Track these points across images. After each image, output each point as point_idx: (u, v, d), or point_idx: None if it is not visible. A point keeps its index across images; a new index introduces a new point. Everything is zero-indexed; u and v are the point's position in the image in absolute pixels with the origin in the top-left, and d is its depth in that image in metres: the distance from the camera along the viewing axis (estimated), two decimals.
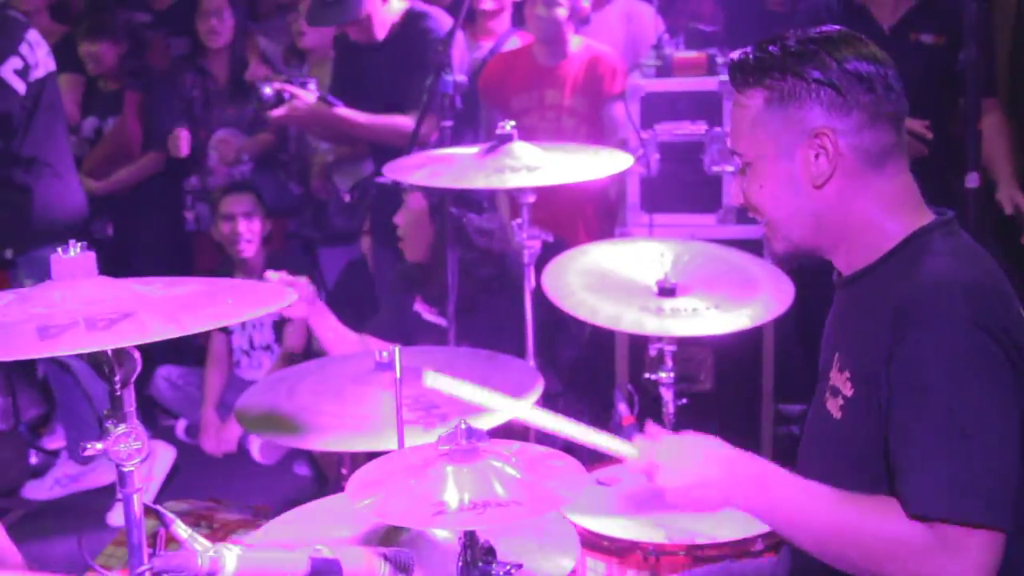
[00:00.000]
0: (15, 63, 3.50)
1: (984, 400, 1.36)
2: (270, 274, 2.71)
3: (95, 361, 1.42)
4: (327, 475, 3.50)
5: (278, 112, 3.40)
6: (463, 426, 1.25)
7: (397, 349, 1.75)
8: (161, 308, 1.36)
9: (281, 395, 2.24)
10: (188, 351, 4.40)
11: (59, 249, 1.43)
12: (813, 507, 1.44)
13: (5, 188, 3.62)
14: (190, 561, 1.13)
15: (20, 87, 3.50)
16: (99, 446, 1.44)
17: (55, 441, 4.16)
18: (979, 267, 1.47)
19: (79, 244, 1.46)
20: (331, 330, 2.87)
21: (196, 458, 4.03)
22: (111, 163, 4.52)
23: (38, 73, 3.56)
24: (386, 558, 1.27)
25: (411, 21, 3.43)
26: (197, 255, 4.62)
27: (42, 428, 4.28)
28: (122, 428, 1.42)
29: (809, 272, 1.68)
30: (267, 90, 3.37)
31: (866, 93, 1.48)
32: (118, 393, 1.43)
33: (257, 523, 2.49)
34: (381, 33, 3.44)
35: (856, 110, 1.48)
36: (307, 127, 3.94)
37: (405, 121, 3.34)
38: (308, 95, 3.37)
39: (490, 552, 1.23)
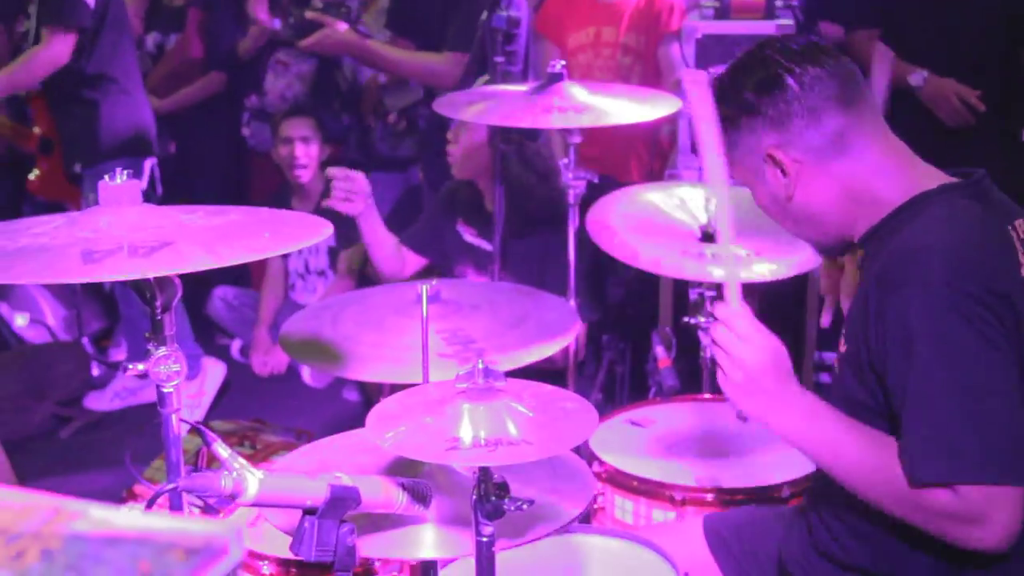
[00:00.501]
0: None
1: (974, 360, 1.37)
2: (331, 170, 2.81)
3: (137, 287, 1.49)
4: (374, 402, 3.59)
5: (308, 41, 3.41)
6: (480, 365, 1.29)
7: (424, 288, 1.79)
8: (200, 238, 1.41)
9: (325, 323, 2.29)
10: (244, 272, 4.50)
11: (106, 176, 1.49)
12: (855, 446, 1.45)
13: (73, 103, 3.72)
14: (213, 482, 1.19)
15: (90, 1, 3.57)
16: (140, 367, 1.52)
17: (119, 354, 4.31)
18: (969, 230, 1.46)
19: (126, 172, 1.52)
20: (376, 231, 2.97)
21: (248, 377, 4.15)
22: (173, 81, 4.58)
23: None
24: (404, 488, 1.33)
25: None
26: (255, 176, 4.70)
27: (105, 341, 4.43)
28: (162, 351, 1.49)
29: None
30: (291, 19, 3.38)
31: (786, 100, 1.51)
32: (159, 317, 1.50)
33: (298, 446, 2.57)
34: None
35: (788, 118, 1.52)
36: (337, 57, 3.94)
37: (438, 61, 3.34)
38: (340, 25, 3.37)
39: (503, 488, 1.28)
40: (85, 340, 4.26)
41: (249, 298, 4.38)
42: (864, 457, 1.45)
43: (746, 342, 1.49)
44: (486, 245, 3.08)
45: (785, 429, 1.50)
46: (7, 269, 1.34)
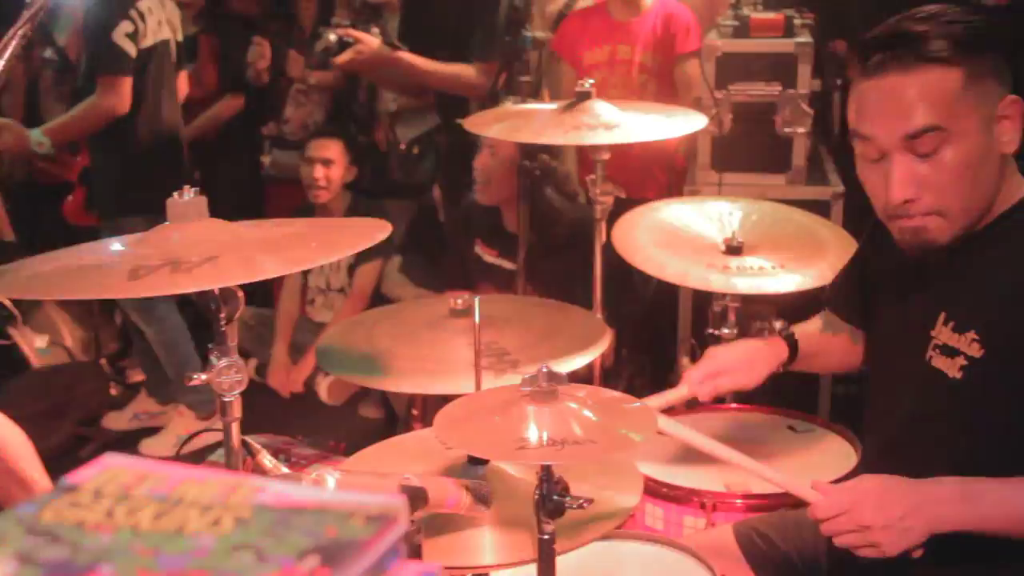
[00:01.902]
0: (126, 27, 3.63)
1: None
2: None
3: (203, 298, 1.56)
4: (397, 415, 3.65)
5: (343, 58, 3.47)
6: (544, 369, 1.36)
7: (476, 299, 1.86)
8: (248, 250, 1.46)
9: (359, 338, 2.36)
10: (258, 290, 4.56)
11: (175, 193, 1.56)
12: None
13: (108, 151, 3.79)
14: (297, 481, 1.26)
15: (130, 49, 3.64)
16: (203, 377, 1.58)
17: (137, 375, 4.36)
18: None
19: (193, 189, 1.59)
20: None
21: (265, 396, 4.19)
22: (191, 108, 4.67)
23: (147, 41, 3.70)
24: (468, 488, 1.39)
25: None
26: (270, 203, 4.77)
27: (123, 361, 4.49)
28: (225, 361, 1.56)
29: (874, 233, 1.72)
30: (331, 36, 3.44)
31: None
32: (223, 328, 1.57)
33: (333, 459, 2.63)
34: None
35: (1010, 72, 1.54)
36: (371, 72, 4.02)
37: (468, 71, 3.40)
38: (372, 39, 3.42)
39: (564, 486, 1.34)
40: (103, 361, 4.31)
41: (265, 317, 4.44)
42: None
43: (854, 509, 1.52)
44: (507, 264, 3.15)
45: (956, 525, 1.50)
46: (60, 285, 1.41)
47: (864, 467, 1.82)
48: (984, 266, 1.59)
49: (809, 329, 2.11)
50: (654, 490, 2.22)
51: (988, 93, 1.53)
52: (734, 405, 2.62)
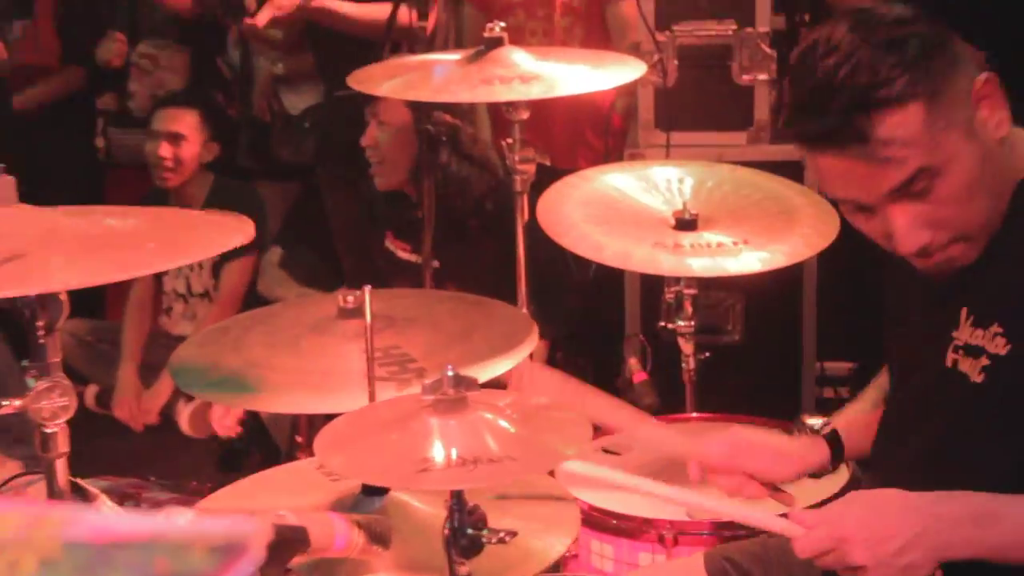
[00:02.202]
0: None
1: None
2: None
3: (14, 304, 1.52)
4: (279, 447, 3.61)
5: (262, 17, 3.45)
6: (450, 373, 1.35)
7: (367, 291, 1.84)
8: (66, 248, 1.43)
9: (226, 348, 2.32)
10: (97, 297, 4.47)
11: None
12: None
13: None
14: None
15: None
16: (17, 403, 1.54)
17: None
18: None
19: None
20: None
21: (110, 430, 4.10)
22: (24, 77, 4.57)
23: None
24: (360, 526, 1.38)
25: None
26: (113, 187, 4.69)
27: None
28: (46, 382, 1.52)
29: None
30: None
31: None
32: (41, 341, 1.53)
33: (191, 502, 2.59)
34: None
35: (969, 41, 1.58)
36: (293, 28, 3.96)
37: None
38: None
39: (480, 518, 1.34)
40: None
41: (107, 331, 4.35)
42: None
43: (842, 548, 1.54)
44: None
45: (966, 552, 1.52)
46: None
47: (873, 484, 1.84)
48: (1006, 252, 1.63)
49: (856, 411, 2.10)
50: (600, 522, 2.23)
51: (958, 96, 1.56)
52: (695, 414, 2.64)
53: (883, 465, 1.84)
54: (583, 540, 2.25)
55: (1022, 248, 1.61)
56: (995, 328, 1.60)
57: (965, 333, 1.64)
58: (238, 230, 1.53)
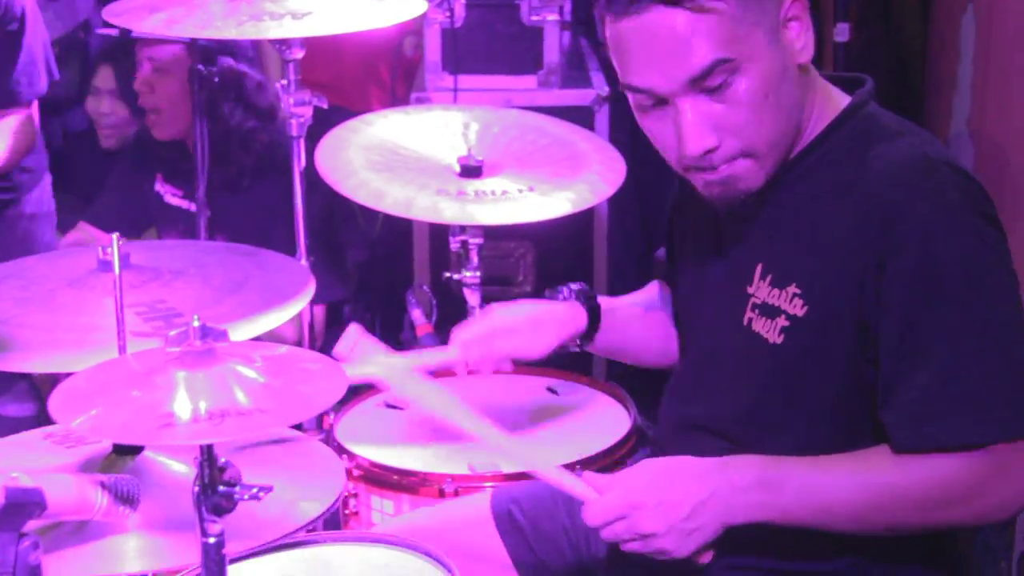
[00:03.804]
0: None
1: (1007, 299, 1.54)
2: None
3: None
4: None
5: None
6: (196, 323, 1.33)
7: (115, 237, 1.80)
8: None
9: None
10: None
11: None
12: (838, 485, 1.58)
13: None
14: None
15: None
16: None
17: None
18: (936, 142, 1.64)
19: None
20: None
21: None
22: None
23: None
24: (104, 486, 1.36)
25: None
26: None
27: None
28: None
29: (644, 144, 1.76)
30: None
31: None
32: None
33: None
34: None
35: None
36: None
37: None
38: None
39: (232, 474, 1.33)
40: None
41: None
42: (860, 483, 1.57)
43: (633, 515, 1.59)
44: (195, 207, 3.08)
45: (752, 516, 1.59)
46: None
47: (661, 449, 1.89)
48: (801, 204, 1.67)
49: (624, 300, 2.13)
50: (379, 478, 2.24)
51: (768, 2, 1.59)
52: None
53: (677, 426, 1.87)
54: (363, 497, 2.26)
55: (818, 203, 1.64)
56: (792, 288, 1.64)
57: (763, 292, 1.68)
58: None
